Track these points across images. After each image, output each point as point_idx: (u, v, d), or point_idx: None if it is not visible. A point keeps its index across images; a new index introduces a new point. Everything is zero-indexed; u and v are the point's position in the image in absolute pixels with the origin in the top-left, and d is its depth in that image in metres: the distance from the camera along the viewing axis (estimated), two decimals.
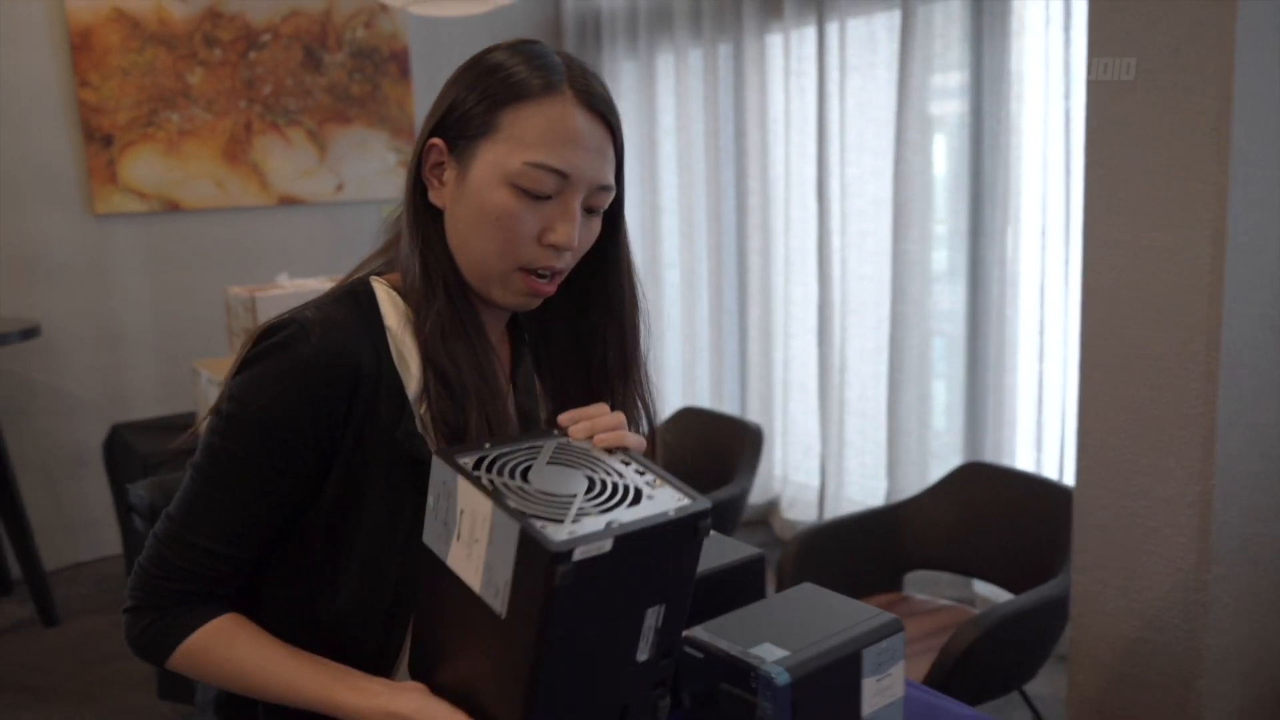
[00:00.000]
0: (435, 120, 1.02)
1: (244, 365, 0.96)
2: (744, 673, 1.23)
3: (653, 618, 0.91)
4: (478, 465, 0.90)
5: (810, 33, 3.57)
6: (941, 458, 3.29)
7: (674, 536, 0.88)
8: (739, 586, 1.52)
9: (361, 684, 0.94)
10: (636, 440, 0.98)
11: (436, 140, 1.02)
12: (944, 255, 3.40)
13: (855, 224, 3.49)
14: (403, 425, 0.98)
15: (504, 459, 0.92)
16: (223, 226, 4.05)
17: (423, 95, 4.56)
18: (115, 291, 3.99)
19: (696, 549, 0.92)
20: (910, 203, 3.18)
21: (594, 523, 0.84)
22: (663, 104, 4.30)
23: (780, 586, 2.08)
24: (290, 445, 0.94)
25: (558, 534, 0.82)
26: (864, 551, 2.44)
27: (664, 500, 0.90)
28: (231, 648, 0.97)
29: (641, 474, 0.94)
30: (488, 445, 0.93)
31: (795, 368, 3.91)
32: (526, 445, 0.95)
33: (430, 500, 0.92)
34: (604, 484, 0.91)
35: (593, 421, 0.97)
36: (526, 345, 1.17)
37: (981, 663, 1.83)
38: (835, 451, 3.64)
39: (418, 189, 1.03)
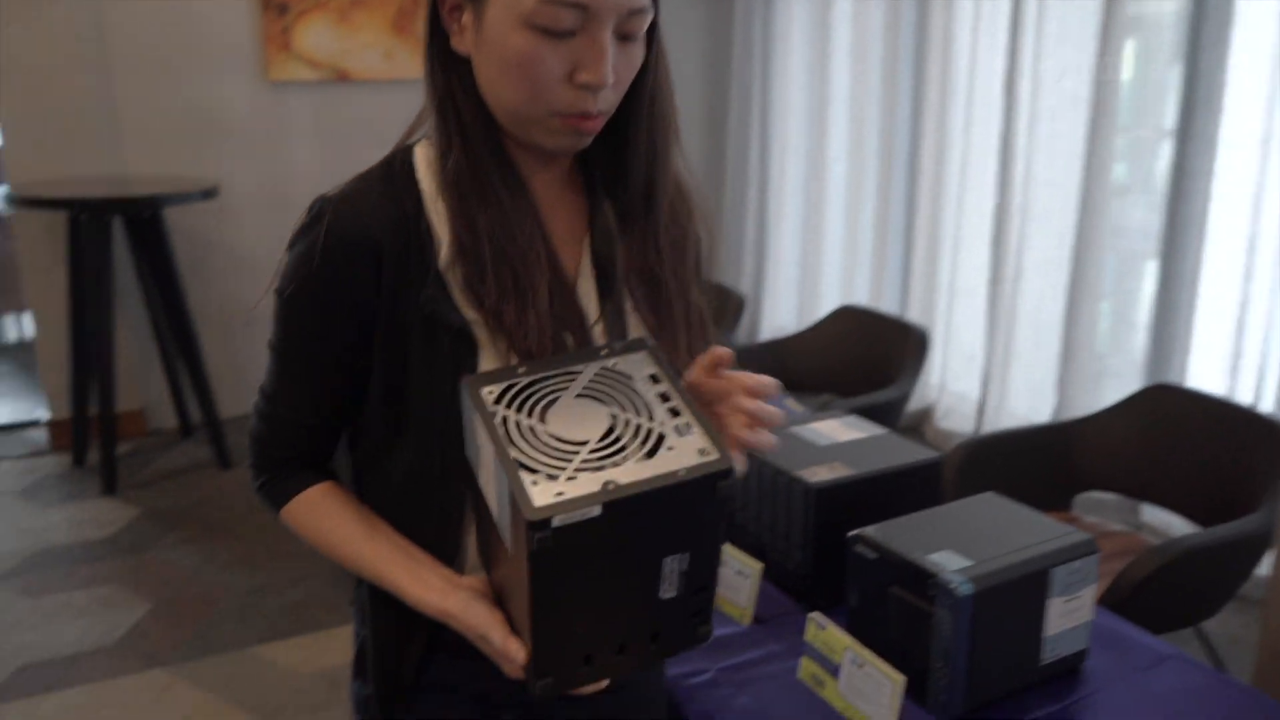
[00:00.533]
0: None
1: (289, 246, 0.97)
2: (920, 579, 1.18)
3: (674, 564, 0.84)
4: (500, 397, 0.84)
5: None
6: (1119, 378, 3.09)
7: (686, 496, 0.80)
8: (913, 490, 1.45)
9: (423, 574, 0.95)
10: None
11: None
12: (1143, 163, 3.13)
13: (1045, 125, 3.25)
14: (426, 292, 0.93)
15: (532, 390, 0.85)
16: (390, 97, 4.09)
17: None
18: (288, 157, 4.10)
19: (719, 505, 0.84)
20: (1110, 103, 2.92)
21: (589, 482, 0.78)
22: None
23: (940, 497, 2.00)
24: (329, 324, 0.96)
25: (542, 495, 0.76)
26: (1032, 468, 2.32)
27: (683, 453, 0.81)
28: (320, 520, 1.00)
29: (675, 415, 0.84)
30: (521, 370, 0.86)
31: (963, 274, 3.72)
32: (563, 371, 0.87)
33: (464, 418, 0.88)
34: (625, 426, 0.83)
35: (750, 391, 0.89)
36: (602, 187, 1.04)
37: (1160, 594, 1.72)
38: (1000, 363, 3.48)
39: (435, 36, 0.95)
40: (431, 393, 0.94)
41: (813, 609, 1.42)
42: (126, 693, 2.44)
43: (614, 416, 0.83)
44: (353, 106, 4.13)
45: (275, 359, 1.00)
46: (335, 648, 2.60)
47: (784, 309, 4.67)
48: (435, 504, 0.98)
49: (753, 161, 4.69)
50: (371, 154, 1.02)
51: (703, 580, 0.87)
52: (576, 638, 0.85)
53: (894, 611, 1.22)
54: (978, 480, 2.25)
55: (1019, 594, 1.19)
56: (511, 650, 0.85)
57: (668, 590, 0.85)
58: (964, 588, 1.13)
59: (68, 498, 3.50)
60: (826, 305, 4.36)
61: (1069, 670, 1.28)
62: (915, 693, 1.18)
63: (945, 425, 3.81)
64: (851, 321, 3.02)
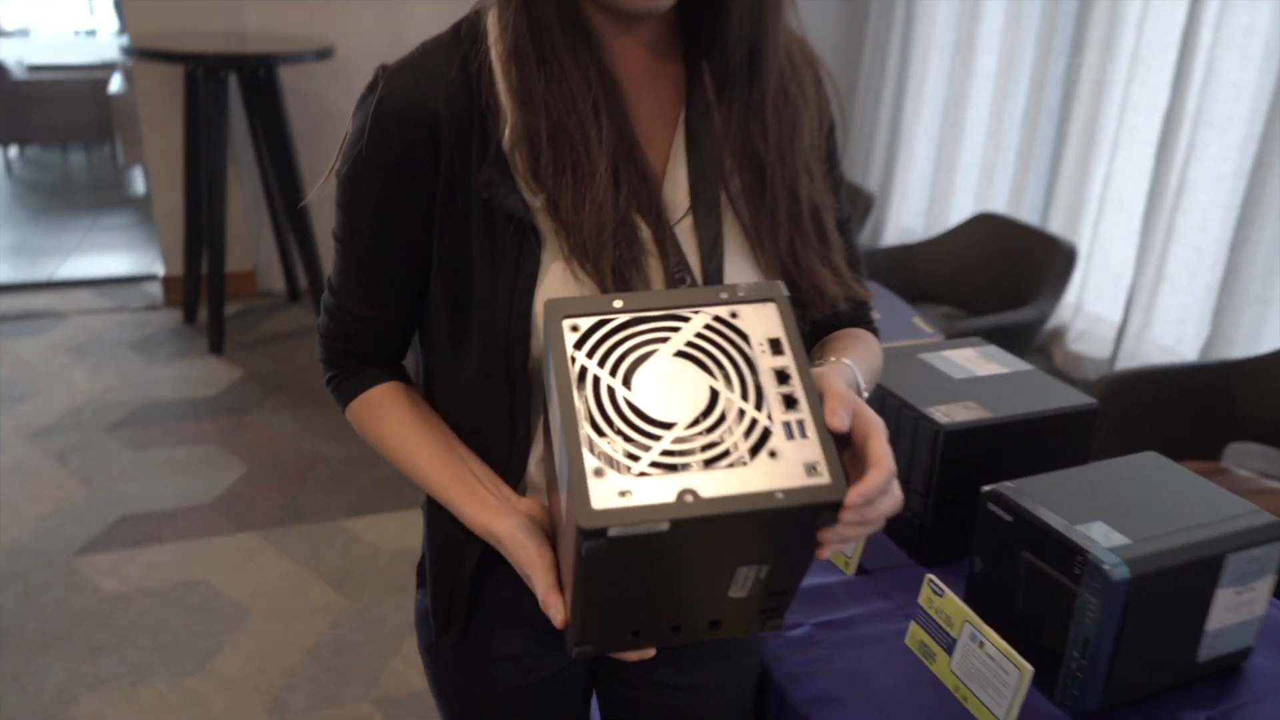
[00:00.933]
0: None
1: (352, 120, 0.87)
2: (1066, 554, 1.01)
3: (749, 572, 0.71)
4: (584, 340, 0.69)
5: None
6: None
7: (778, 520, 0.65)
8: (1060, 441, 1.26)
9: (477, 490, 0.87)
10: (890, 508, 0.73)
11: None
12: None
13: (1237, 16, 2.85)
14: (483, 172, 0.81)
15: (625, 336, 0.69)
16: None
17: None
18: (406, 16, 3.95)
19: (810, 533, 0.68)
20: None
21: (664, 485, 0.63)
22: None
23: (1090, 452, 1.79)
24: (385, 207, 0.85)
25: (604, 493, 0.62)
26: (1181, 410, 2.09)
27: (787, 464, 0.65)
28: (381, 422, 0.93)
29: (790, 405, 0.67)
30: (618, 304, 0.70)
31: (1118, 183, 3.38)
32: (668, 313, 0.70)
33: (544, 341, 0.72)
34: (727, 410, 0.67)
35: (864, 513, 0.70)
36: (705, 63, 0.87)
37: None
38: (1149, 285, 3.17)
39: None
40: (494, 293, 0.83)
41: (927, 564, 1.27)
42: (216, 553, 2.46)
43: (715, 393, 0.67)
44: None
45: (337, 248, 0.91)
46: (420, 529, 2.57)
47: (912, 210, 4.38)
48: (500, 415, 0.87)
49: (893, 43, 4.33)
50: None
51: (782, 586, 0.75)
52: (623, 618, 0.75)
53: (1027, 585, 1.06)
54: (1118, 421, 2.03)
55: (1183, 582, 1.01)
56: (551, 605, 0.75)
57: (738, 591, 0.73)
58: (1119, 571, 0.96)
59: (177, 354, 3.54)
60: (959, 209, 4.06)
61: (1229, 670, 1.10)
62: (1041, 680, 1.03)
63: (1077, 349, 3.53)
64: (989, 231, 2.76)
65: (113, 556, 2.43)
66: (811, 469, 0.65)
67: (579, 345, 0.68)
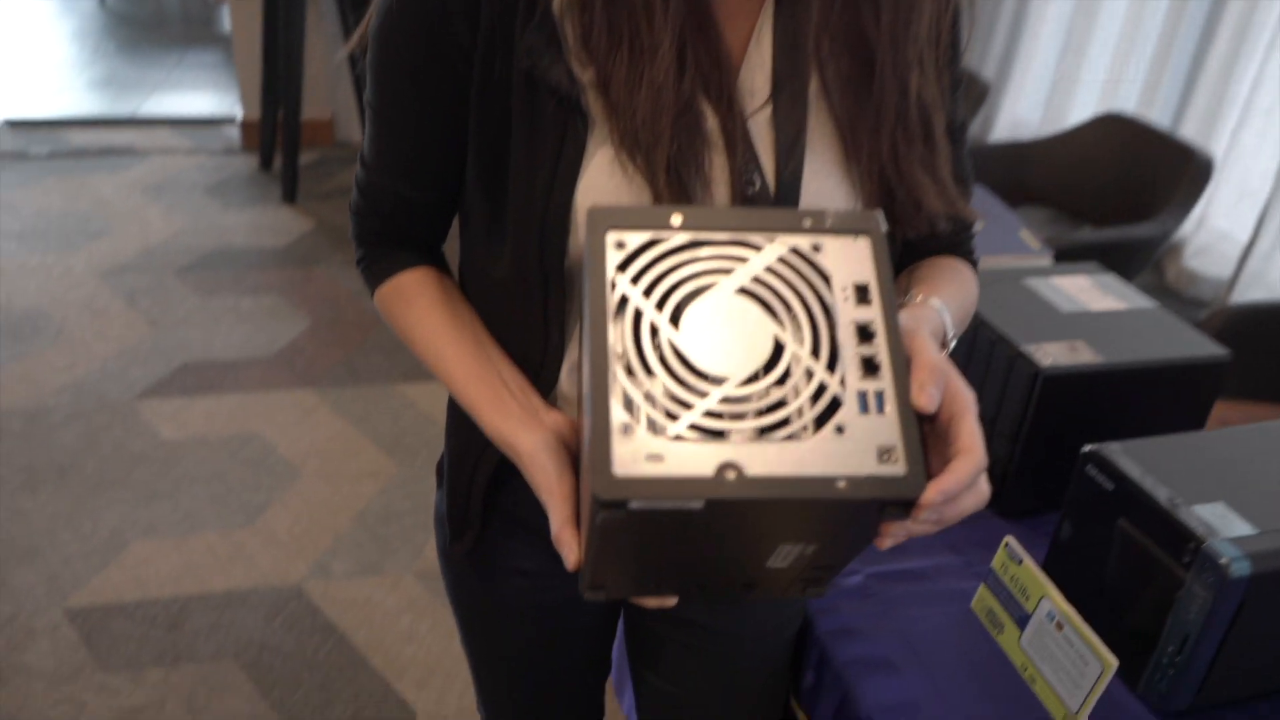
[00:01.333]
0: None
1: None
2: (1176, 537, 0.87)
3: (794, 549, 0.60)
4: (630, 261, 0.56)
5: None
6: None
7: (836, 509, 0.53)
8: (1180, 395, 1.10)
9: (503, 396, 0.77)
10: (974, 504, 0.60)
11: None
12: None
13: None
14: (527, 37, 0.69)
15: (676, 262, 0.57)
16: None
17: None
18: None
19: (871, 525, 0.57)
20: None
21: (702, 455, 0.52)
22: None
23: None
24: (418, 70, 0.74)
25: (629, 456, 0.51)
26: None
27: (856, 444, 0.53)
28: (407, 309, 0.84)
29: (871, 371, 0.55)
30: (677, 220, 0.57)
31: (1268, 86, 3.03)
32: (737, 238, 0.57)
33: (585, 254, 0.60)
34: (792, 368, 0.55)
35: (942, 511, 0.58)
36: None
37: None
38: None
39: None
40: (530, 180, 0.72)
41: (1007, 516, 1.14)
42: (274, 408, 2.44)
43: (780, 345, 0.55)
44: None
45: (369, 115, 0.79)
46: None
47: (1029, 100, 4.04)
48: (533, 318, 0.77)
49: None
50: None
51: (830, 563, 0.64)
52: (642, 575, 0.66)
53: (1121, 562, 0.93)
54: (1239, 358, 1.84)
55: None
56: (564, 543, 0.65)
57: (778, 563, 0.63)
58: (1239, 566, 0.82)
59: (250, 201, 3.49)
60: (1082, 103, 3.73)
61: None
62: (1125, 669, 0.91)
63: (1194, 265, 3.26)
64: (1115, 133, 2.50)
65: (173, 403, 2.43)
66: (885, 454, 0.52)
67: (623, 267, 0.56)
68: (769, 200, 0.72)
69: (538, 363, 0.78)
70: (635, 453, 0.51)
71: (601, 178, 0.69)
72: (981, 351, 1.13)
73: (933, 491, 0.53)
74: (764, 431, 0.53)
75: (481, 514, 0.88)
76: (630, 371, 0.53)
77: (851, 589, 1.03)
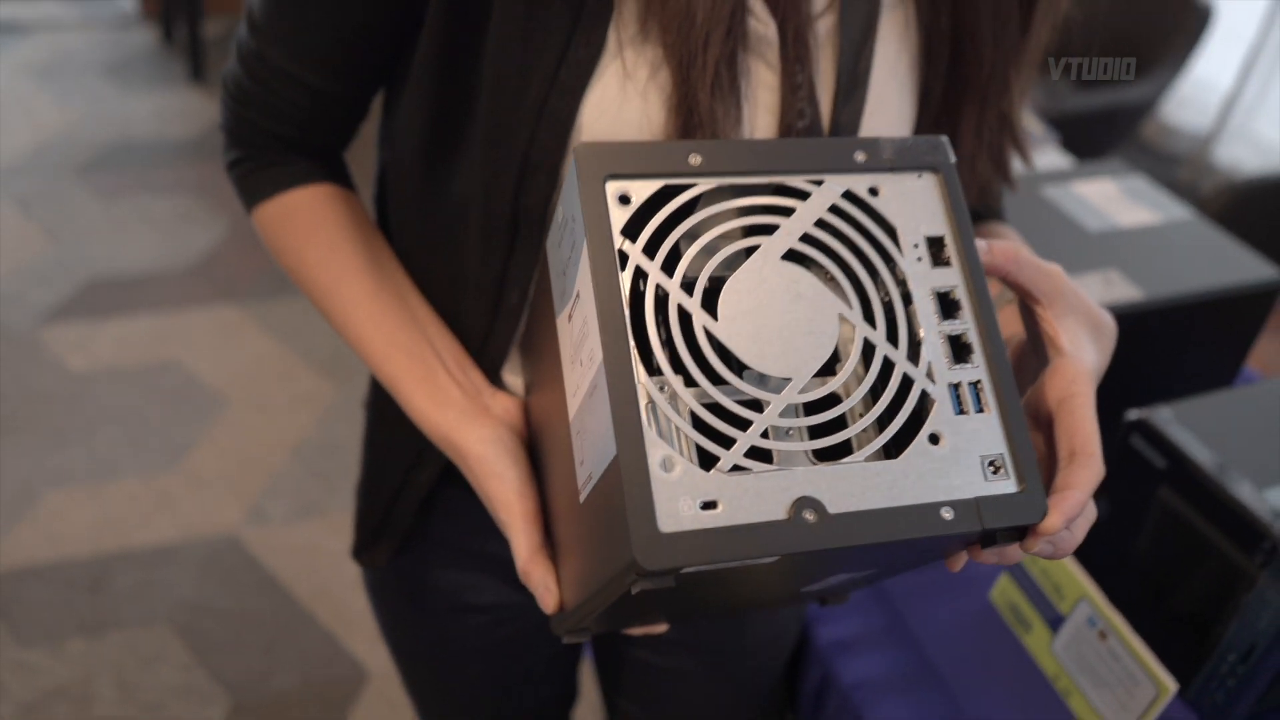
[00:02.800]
0: None
1: None
2: (1249, 531, 0.73)
3: (849, 576, 0.49)
4: (640, 222, 0.41)
5: None
6: None
7: (930, 541, 0.40)
8: (1226, 328, 0.95)
9: (436, 374, 0.59)
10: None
11: None
12: None
13: None
14: None
15: (701, 220, 0.41)
16: None
17: None
18: None
19: (960, 550, 0.45)
20: None
21: (769, 489, 0.38)
22: None
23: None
24: None
25: (672, 505, 0.37)
26: None
27: (958, 459, 0.40)
28: (304, 244, 0.63)
29: (962, 355, 0.42)
30: (695, 158, 0.42)
31: None
32: (776, 183, 0.42)
33: (559, 213, 0.45)
34: (865, 362, 0.41)
35: (1056, 539, 0.44)
36: None
37: None
38: (1275, 49, 2.69)
39: None
40: (519, 80, 0.52)
41: None
42: (193, 327, 2.22)
43: (839, 335, 0.41)
44: None
45: None
46: None
47: None
48: (488, 274, 0.58)
49: None
50: None
51: (873, 581, 0.56)
52: (645, 615, 0.54)
53: (1172, 551, 0.79)
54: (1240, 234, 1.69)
55: None
56: (535, 580, 0.51)
57: (813, 587, 0.52)
58: None
59: (153, 81, 3.15)
60: None
61: None
62: (1170, 666, 0.78)
63: (1175, 118, 3.08)
64: None
65: (79, 328, 2.20)
66: (993, 467, 0.40)
67: (631, 232, 0.41)
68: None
69: (483, 332, 0.60)
70: (682, 495, 0.37)
71: (616, 92, 0.51)
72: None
73: (1057, 516, 0.41)
74: (839, 450, 0.40)
75: (410, 521, 0.70)
76: (656, 379, 0.39)
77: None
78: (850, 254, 0.42)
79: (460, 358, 0.60)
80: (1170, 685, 0.72)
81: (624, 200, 0.41)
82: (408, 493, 0.69)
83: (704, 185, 0.42)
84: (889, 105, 0.56)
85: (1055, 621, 0.80)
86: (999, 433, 0.41)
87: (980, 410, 0.41)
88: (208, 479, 1.87)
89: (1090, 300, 0.51)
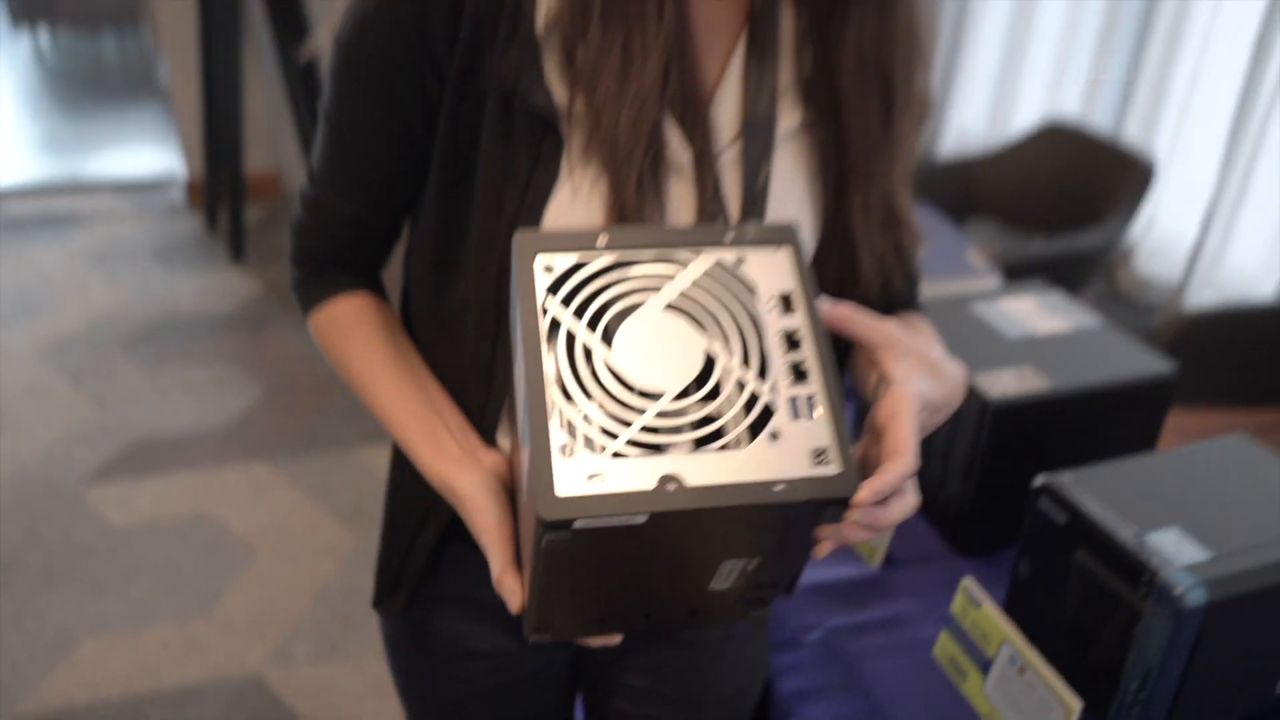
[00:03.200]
0: None
1: None
2: (1132, 569, 0.84)
3: (735, 565, 0.62)
4: (560, 283, 0.58)
5: None
6: None
7: (771, 515, 0.56)
8: (1131, 414, 1.08)
9: (440, 435, 0.75)
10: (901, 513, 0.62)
11: None
12: None
13: None
14: (510, 54, 0.68)
15: (608, 282, 0.58)
16: None
17: None
18: None
19: (810, 529, 0.60)
20: None
21: (643, 469, 0.53)
22: None
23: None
24: (387, 80, 0.71)
25: (571, 477, 0.53)
26: (1266, 351, 1.87)
27: (791, 448, 0.55)
28: (343, 337, 0.81)
29: (800, 377, 0.57)
30: (602, 240, 0.59)
31: (1206, 84, 3.05)
32: (661, 255, 0.59)
33: (511, 280, 0.61)
34: (724, 380, 0.57)
35: (873, 514, 0.60)
36: None
37: None
38: (1231, 201, 2.88)
39: None
40: (498, 204, 0.70)
41: (966, 554, 1.11)
42: (226, 484, 2.38)
43: (711, 358, 0.57)
44: None
45: (325, 128, 0.77)
46: None
47: (974, 109, 4.07)
48: (481, 354, 0.74)
49: None
50: None
51: (772, 579, 0.66)
52: (589, 606, 0.66)
53: (1081, 598, 0.89)
54: (1194, 360, 1.82)
55: (1270, 607, 0.84)
56: (505, 586, 0.66)
57: (721, 584, 0.64)
58: (1194, 595, 0.79)
59: (197, 263, 3.43)
60: (1027, 106, 3.75)
61: None
62: (1093, 707, 0.87)
63: (1146, 270, 3.26)
64: (1058, 143, 2.51)
65: (121, 487, 2.35)
66: (819, 456, 0.55)
67: (553, 290, 0.58)
68: None
69: (481, 403, 0.75)
70: (577, 472, 0.52)
71: (568, 205, 0.68)
72: None
73: (866, 491, 0.55)
74: (701, 443, 0.54)
75: (420, 574, 0.84)
76: (566, 394, 0.54)
77: (812, 645, 0.99)
78: (717, 305, 0.58)
79: (461, 424, 0.76)
80: (1075, 704, 0.81)
81: (548, 269, 0.58)
82: (417, 548, 0.83)
83: (608, 258, 0.58)
84: (789, 210, 0.72)
85: (986, 666, 0.90)
86: (826, 432, 0.55)
87: (812, 416, 0.56)
88: (236, 623, 1.98)
89: (931, 352, 0.67)
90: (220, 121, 3.37)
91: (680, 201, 0.69)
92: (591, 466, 0.53)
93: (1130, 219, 2.21)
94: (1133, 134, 3.27)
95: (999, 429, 1.03)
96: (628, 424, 0.54)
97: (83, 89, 5.49)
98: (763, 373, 0.56)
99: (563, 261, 0.58)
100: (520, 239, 0.58)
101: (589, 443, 0.53)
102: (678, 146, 0.68)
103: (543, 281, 0.57)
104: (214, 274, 3.36)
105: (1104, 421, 1.07)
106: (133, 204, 3.89)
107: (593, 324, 0.56)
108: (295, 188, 3.86)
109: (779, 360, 0.57)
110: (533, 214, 0.68)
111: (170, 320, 3.07)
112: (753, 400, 0.56)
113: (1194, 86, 3.10)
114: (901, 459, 0.58)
